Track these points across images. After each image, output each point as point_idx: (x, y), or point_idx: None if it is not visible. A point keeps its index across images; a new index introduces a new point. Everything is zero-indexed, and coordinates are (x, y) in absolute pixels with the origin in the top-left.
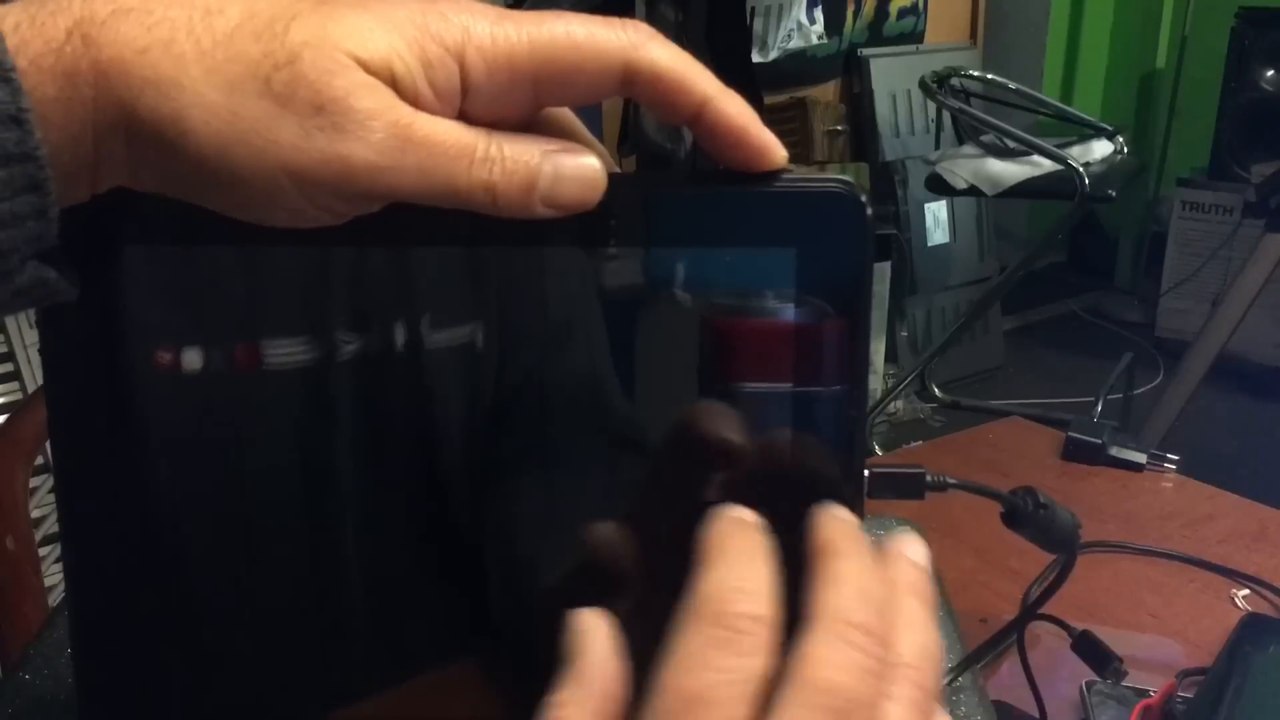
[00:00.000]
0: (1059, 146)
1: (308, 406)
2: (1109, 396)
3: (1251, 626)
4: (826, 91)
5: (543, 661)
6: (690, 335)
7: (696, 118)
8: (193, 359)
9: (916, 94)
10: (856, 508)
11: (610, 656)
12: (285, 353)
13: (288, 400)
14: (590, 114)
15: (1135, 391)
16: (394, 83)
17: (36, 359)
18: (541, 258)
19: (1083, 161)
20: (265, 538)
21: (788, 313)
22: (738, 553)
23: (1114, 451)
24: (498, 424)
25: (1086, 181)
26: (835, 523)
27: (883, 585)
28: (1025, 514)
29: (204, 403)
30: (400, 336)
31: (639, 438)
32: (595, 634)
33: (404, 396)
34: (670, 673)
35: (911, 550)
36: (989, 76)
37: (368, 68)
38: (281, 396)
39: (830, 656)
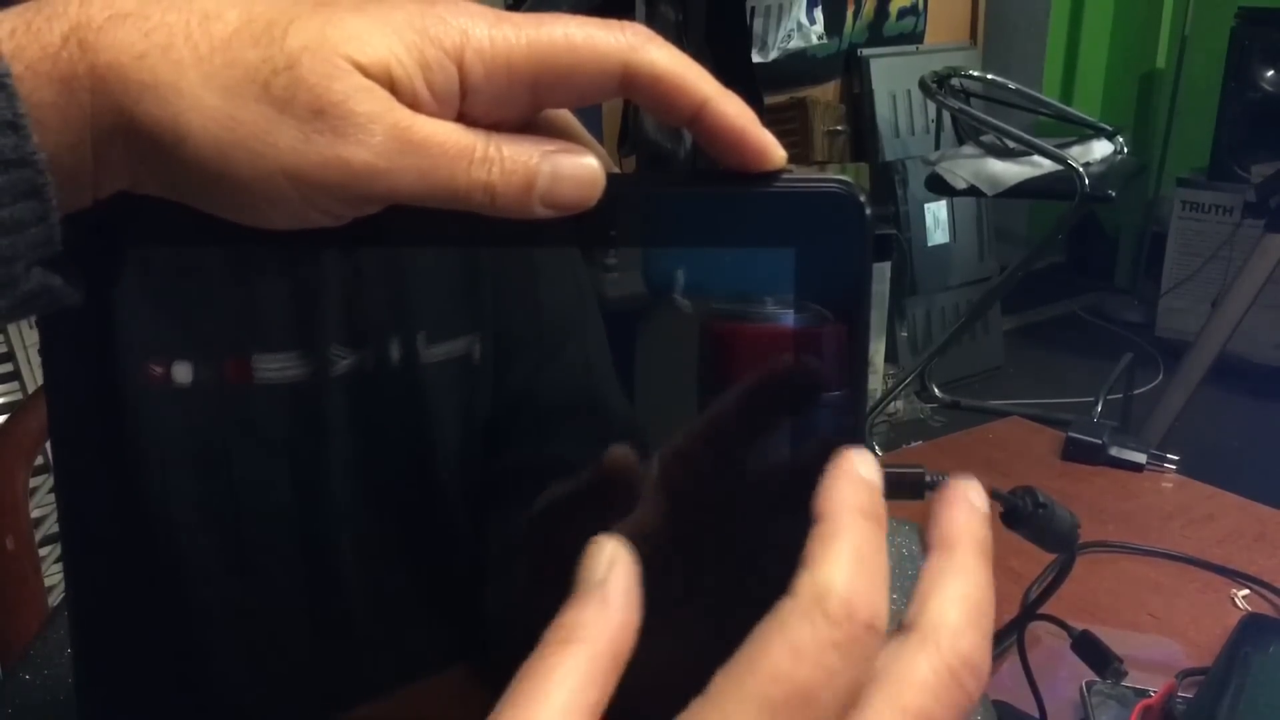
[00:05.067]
0: (1059, 146)
1: (302, 421)
2: (1109, 397)
3: (1251, 627)
4: (826, 91)
5: None
6: (690, 341)
7: (695, 119)
8: (183, 372)
9: (916, 94)
10: None
11: (633, 596)
12: (277, 368)
13: (281, 415)
14: (590, 114)
15: (1135, 392)
16: (392, 86)
17: (36, 359)
18: (537, 267)
19: (1083, 161)
20: (262, 550)
21: (787, 318)
22: (865, 548)
23: (1114, 452)
24: (496, 437)
25: (1086, 181)
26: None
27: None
28: (1024, 513)
29: (196, 416)
30: (395, 351)
31: (639, 444)
32: (622, 566)
33: (400, 411)
34: (777, 658)
35: (967, 501)
36: (989, 76)
37: (366, 71)
38: (275, 411)
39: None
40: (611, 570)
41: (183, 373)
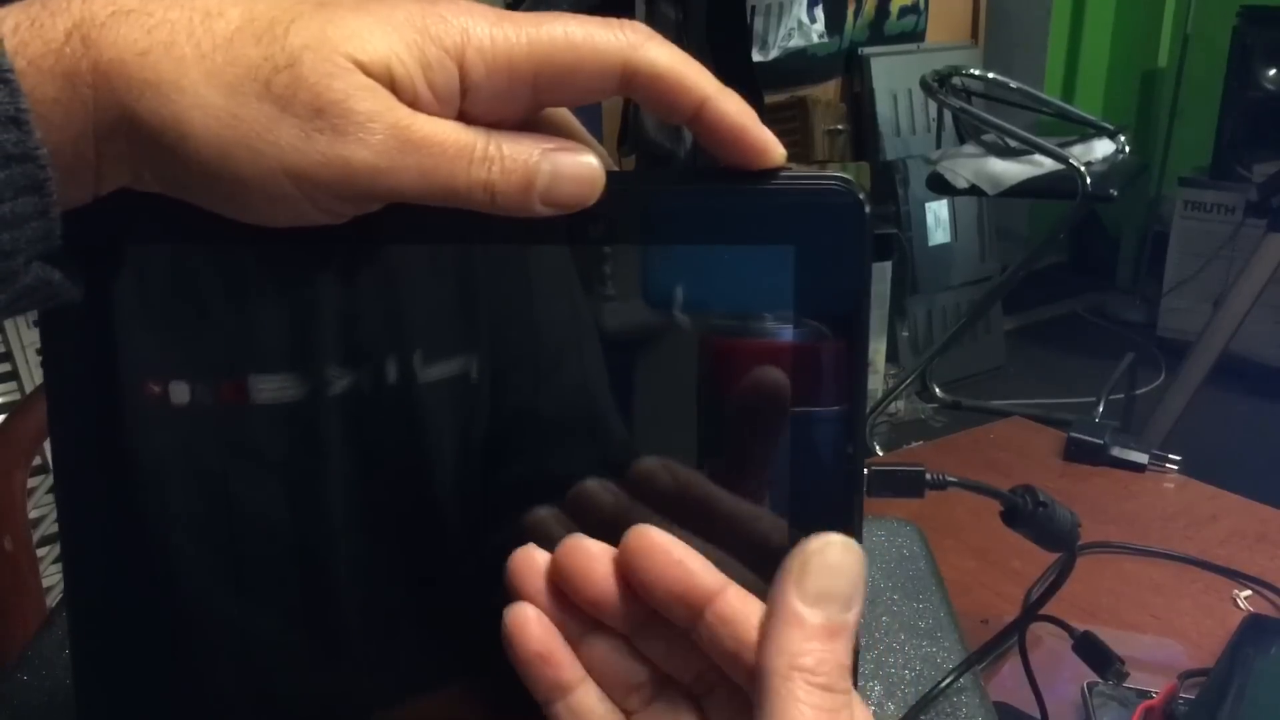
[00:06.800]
0: (1060, 146)
1: (299, 442)
2: (1111, 397)
3: (1253, 627)
4: (827, 91)
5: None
6: (689, 358)
7: (695, 117)
8: (180, 392)
9: (917, 93)
10: (855, 526)
11: None
12: (274, 389)
13: (278, 435)
14: (590, 113)
15: (1137, 392)
16: (393, 85)
17: (36, 359)
18: (533, 285)
19: (1084, 161)
20: (260, 568)
21: (786, 333)
22: None
23: (1116, 452)
24: (494, 456)
25: (1088, 181)
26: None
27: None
28: (1024, 512)
29: (193, 436)
30: (392, 371)
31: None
32: None
33: (398, 431)
34: None
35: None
36: (990, 75)
37: (367, 70)
38: (272, 432)
39: None
40: None
41: (179, 393)
